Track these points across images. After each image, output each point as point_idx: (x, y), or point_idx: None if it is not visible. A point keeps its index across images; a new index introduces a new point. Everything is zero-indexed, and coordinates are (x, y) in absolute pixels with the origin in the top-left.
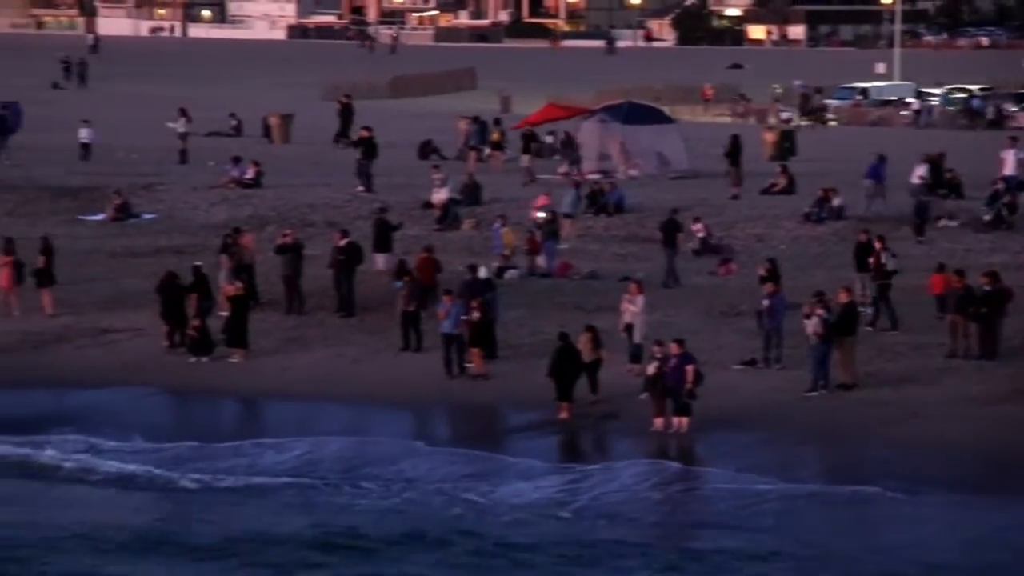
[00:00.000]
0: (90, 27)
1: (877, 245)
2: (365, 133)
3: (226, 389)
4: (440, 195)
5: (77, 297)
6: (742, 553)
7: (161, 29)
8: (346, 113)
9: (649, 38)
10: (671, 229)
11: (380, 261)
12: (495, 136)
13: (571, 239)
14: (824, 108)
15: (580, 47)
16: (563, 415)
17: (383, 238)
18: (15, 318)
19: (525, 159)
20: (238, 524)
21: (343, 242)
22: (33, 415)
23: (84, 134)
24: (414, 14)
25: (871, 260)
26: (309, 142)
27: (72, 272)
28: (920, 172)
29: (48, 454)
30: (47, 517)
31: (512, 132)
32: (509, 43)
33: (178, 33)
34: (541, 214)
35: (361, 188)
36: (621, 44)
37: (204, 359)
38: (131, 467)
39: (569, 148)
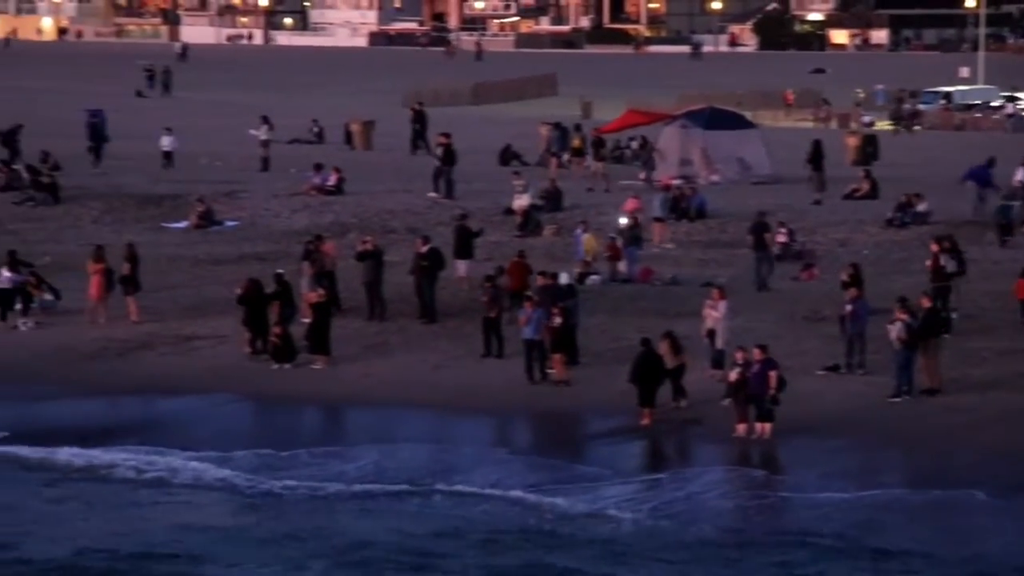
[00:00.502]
0: (173, 35)
1: (934, 248)
2: (443, 139)
3: (308, 395)
4: (521, 201)
5: (160, 304)
6: (831, 559)
7: (240, 36)
8: (419, 120)
9: (734, 43)
10: (760, 231)
11: (461, 267)
12: (576, 142)
13: (664, 242)
14: (918, 114)
15: (664, 52)
16: (645, 421)
17: (464, 244)
18: (100, 325)
19: (595, 165)
20: (337, 530)
21: (424, 248)
22: (118, 422)
23: (166, 142)
24: (495, 20)
25: (928, 263)
26: (390, 149)
27: (155, 279)
28: (1020, 176)
29: (133, 461)
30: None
31: (593, 138)
32: (591, 49)
33: (257, 40)
34: (624, 220)
35: (435, 194)
36: (703, 49)
37: (287, 366)
38: (222, 473)
39: (643, 153)
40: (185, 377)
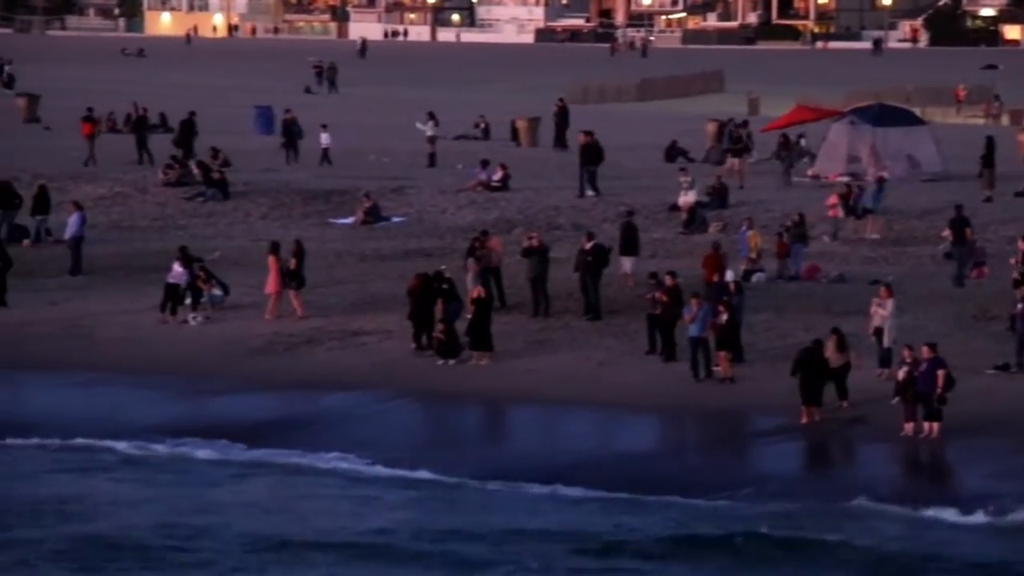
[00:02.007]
0: (342, 32)
1: (1021, 245)
2: (584, 137)
3: (473, 392)
4: (687, 198)
5: (327, 300)
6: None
7: (396, 33)
8: (561, 116)
9: (915, 38)
10: (961, 225)
11: (627, 264)
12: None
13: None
14: None
15: (842, 48)
16: (804, 419)
17: (630, 241)
18: (267, 321)
19: (734, 162)
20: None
21: (589, 245)
22: (287, 417)
23: (324, 139)
24: (662, 16)
25: (1012, 260)
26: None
27: (322, 275)
28: None
29: (307, 457)
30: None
31: (760, 135)
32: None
33: (414, 37)
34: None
35: (591, 192)
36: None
37: (451, 362)
38: (399, 472)
39: (785, 150)
40: (352, 372)
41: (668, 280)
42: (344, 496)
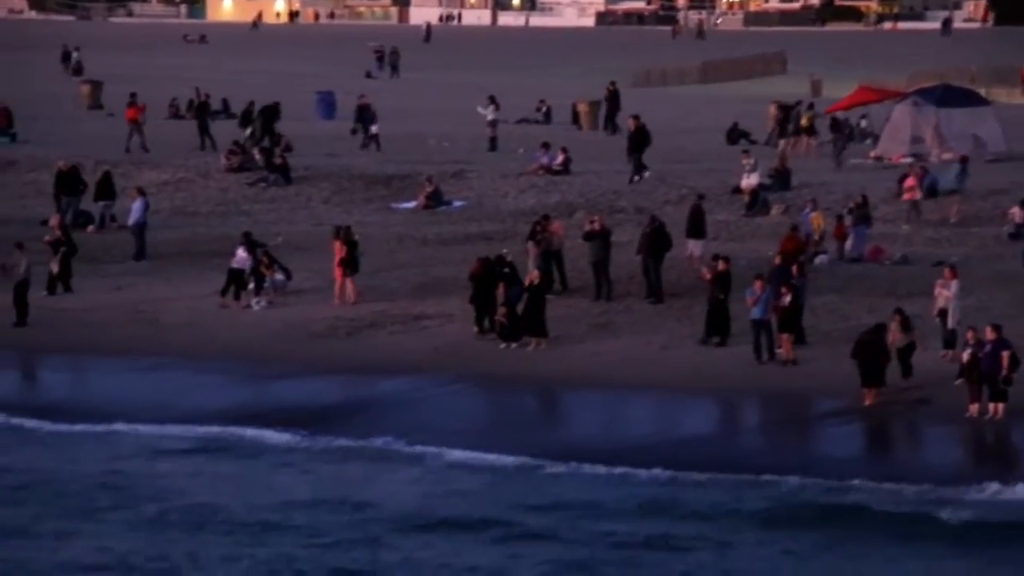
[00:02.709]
0: (403, 17)
1: None
2: (633, 121)
3: (536, 375)
4: (750, 180)
5: (389, 284)
6: None
7: (451, 17)
8: (612, 100)
9: (986, 18)
10: None
11: (694, 247)
12: (804, 121)
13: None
14: None
15: (909, 29)
16: (867, 401)
17: (697, 224)
18: (333, 305)
19: (781, 143)
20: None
21: (651, 227)
22: (350, 401)
23: (373, 128)
24: None
25: None
26: (617, 128)
27: (384, 259)
28: None
29: (379, 442)
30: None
31: (824, 116)
32: (826, 27)
33: (475, 21)
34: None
35: (638, 176)
36: (934, 25)
37: (513, 345)
38: (489, 457)
39: (837, 131)
40: (415, 355)
41: (720, 265)
42: (435, 478)
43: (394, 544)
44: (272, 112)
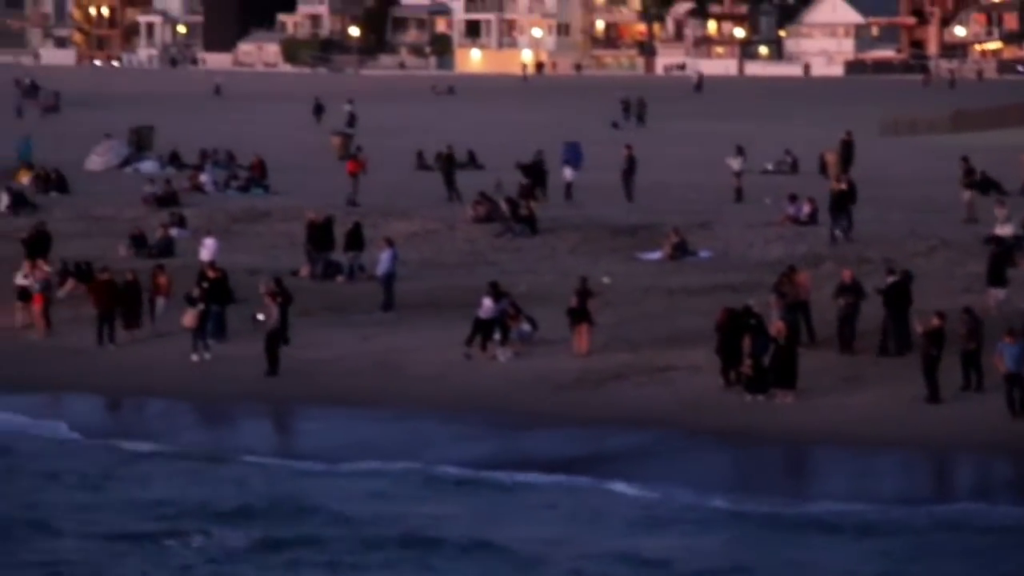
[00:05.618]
0: (649, 67)
1: None
2: (837, 186)
3: (781, 429)
4: (1004, 230)
5: (635, 334)
6: None
7: (682, 67)
8: (846, 149)
9: None
10: None
11: (996, 295)
12: None
13: None
14: None
15: None
16: None
17: (998, 272)
18: (576, 356)
19: (967, 194)
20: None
21: (890, 280)
22: (595, 452)
23: (567, 174)
24: (976, 46)
25: None
26: (863, 180)
27: (630, 310)
28: None
29: (619, 486)
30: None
31: None
32: None
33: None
34: None
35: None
36: None
37: (760, 397)
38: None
39: None
40: (660, 408)
41: (935, 320)
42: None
43: None
44: (538, 166)
